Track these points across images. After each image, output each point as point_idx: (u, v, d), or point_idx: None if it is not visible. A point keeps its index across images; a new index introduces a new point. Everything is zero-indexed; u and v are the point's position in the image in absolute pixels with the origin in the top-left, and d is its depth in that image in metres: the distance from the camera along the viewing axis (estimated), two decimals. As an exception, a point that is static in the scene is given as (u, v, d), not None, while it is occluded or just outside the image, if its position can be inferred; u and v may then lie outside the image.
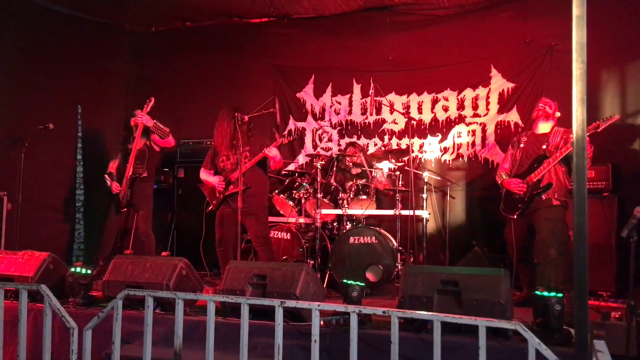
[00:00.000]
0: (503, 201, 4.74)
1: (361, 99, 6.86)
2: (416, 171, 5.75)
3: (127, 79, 7.64)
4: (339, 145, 6.88)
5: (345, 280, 3.60)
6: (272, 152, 4.81)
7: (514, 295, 3.81)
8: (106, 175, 5.62)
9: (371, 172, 5.79)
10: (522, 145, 4.73)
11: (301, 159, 6.99)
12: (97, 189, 5.80)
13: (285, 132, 5.11)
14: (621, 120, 5.47)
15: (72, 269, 4.12)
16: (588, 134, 4.21)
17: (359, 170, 5.85)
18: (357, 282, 3.50)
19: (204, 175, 5.10)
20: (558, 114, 4.65)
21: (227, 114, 4.89)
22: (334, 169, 6.02)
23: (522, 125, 6.02)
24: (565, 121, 4.54)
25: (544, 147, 4.55)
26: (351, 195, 5.52)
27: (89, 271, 4.10)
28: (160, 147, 5.64)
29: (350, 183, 5.63)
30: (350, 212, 5.53)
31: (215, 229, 4.97)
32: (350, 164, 5.88)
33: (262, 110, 5.09)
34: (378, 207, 5.69)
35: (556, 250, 4.29)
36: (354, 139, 6.79)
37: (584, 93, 1.87)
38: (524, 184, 4.53)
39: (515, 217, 4.58)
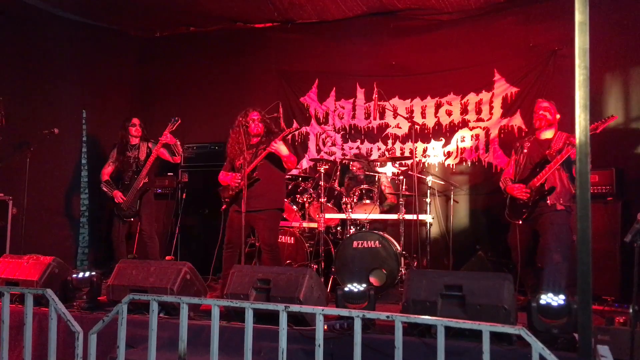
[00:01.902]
0: (508, 207, 4.72)
1: (365, 103, 6.88)
2: (420, 175, 5.75)
3: (132, 84, 7.68)
4: (343, 149, 6.89)
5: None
6: (275, 145, 4.61)
7: (517, 300, 3.80)
8: (103, 184, 5.72)
9: (378, 177, 5.81)
10: (525, 150, 4.73)
11: (305, 163, 7.01)
12: (101, 194, 5.83)
13: (291, 129, 4.95)
14: (625, 124, 5.47)
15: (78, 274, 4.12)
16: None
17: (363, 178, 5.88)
18: (354, 284, 3.49)
19: (222, 175, 4.97)
20: (558, 116, 4.64)
21: (240, 119, 4.85)
22: (338, 173, 6.04)
23: (526, 130, 6.02)
24: (567, 125, 4.54)
25: (546, 151, 4.55)
26: (355, 200, 5.53)
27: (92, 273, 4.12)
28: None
29: (355, 188, 5.64)
30: (354, 216, 5.54)
31: (225, 230, 4.87)
32: (354, 168, 5.90)
33: (266, 114, 5.10)
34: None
35: (560, 255, 4.28)
36: (359, 143, 6.81)
37: (586, 99, 1.87)
38: (527, 189, 4.52)
39: (520, 222, 4.57)
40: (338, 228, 5.89)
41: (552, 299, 3.05)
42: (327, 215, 5.59)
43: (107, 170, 5.78)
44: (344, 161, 6.29)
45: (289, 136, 4.85)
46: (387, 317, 2.48)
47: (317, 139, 7.05)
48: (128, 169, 5.66)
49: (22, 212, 5.60)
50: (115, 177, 5.75)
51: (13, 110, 5.91)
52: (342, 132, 6.95)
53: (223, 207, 4.90)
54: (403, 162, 6.31)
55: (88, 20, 6.96)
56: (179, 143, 5.68)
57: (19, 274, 4.18)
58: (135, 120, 5.79)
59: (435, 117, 6.57)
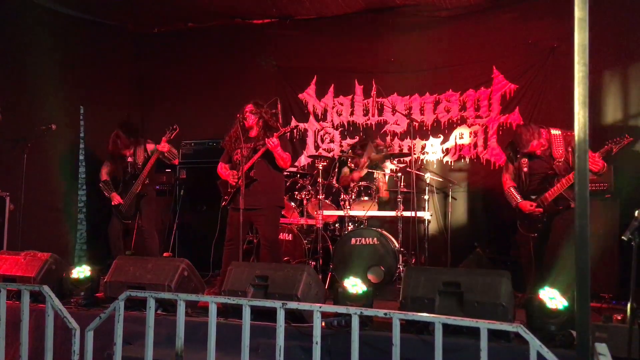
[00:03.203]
0: (520, 219, 4.64)
1: (363, 100, 6.86)
2: (418, 172, 5.75)
3: (130, 80, 7.65)
4: (341, 146, 6.88)
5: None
6: (273, 142, 4.55)
7: (516, 296, 3.80)
8: (102, 185, 5.71)
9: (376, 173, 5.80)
10: (525, 168, 4.58)
11: (303, 160, 7.00)
12: (99, 190, 5.82)
13: (287, 128, 4.90)
14: (623, 121, 5.47)
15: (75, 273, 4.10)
16: (602, 157, 4.15)
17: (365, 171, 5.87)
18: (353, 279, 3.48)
19: (221, 169, 4.95)
20: (542, 131, 4.48)
21: (238, 115, 4.81)
22: (336, 170, 6.03)
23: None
24: (567, 123, 4.51)
25: (553, 163, 4.45)
26: (353, 197, 5.52)
27: (88, 274, 4.09)
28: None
29: (353, 184, 5.63)
30: (352, 213, 5.53)
31: (226, 227, 4.85)
32: (353, 165, 5.89)
33: (264, 106, 5.07)
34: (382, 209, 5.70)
35: (565, 251, 4.27)
36: (356, 140, 6.80)
37: (585, 96, 1.87)
38: (539, 207, 4.45)
39: (535, 235, 4.52)
40: (336, 225, 5.88)
41: (550, 296, 3.05)
42: (325, 212, 5.59)
43: (106, 170, 5.75)
44: (342, 157, 6.28)
45: (287, 133, 4.82)
46: (385, 314, 2.48)
47: (316, 135, 7.04)
48: (126, 173, 5.63)
49: (19, 208, 5.59)
50: (115, 177, 5.72)
51: (10, 106, 5.88)
52: (340, 129, 6.94)
53: (223, 204, 4.88)
54: (401, 158, 6.31)
55: (86, 15, 6.93)
56: (174, 150, 5.65)
57: (16, 270, 4.17)
58: (119, 134, 5.63)
59: (434, 113, 6.56)
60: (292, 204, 5.85)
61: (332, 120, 6.98)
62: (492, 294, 3.09)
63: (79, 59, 6.84)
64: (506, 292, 3.10)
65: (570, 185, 4.30)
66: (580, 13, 1.87)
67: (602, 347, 2.23)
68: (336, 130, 6.95)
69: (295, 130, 7.00)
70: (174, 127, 5.54)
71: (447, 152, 6.49)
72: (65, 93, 6.69)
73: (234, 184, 4.72)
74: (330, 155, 6.74)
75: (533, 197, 4.52)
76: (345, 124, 6.92)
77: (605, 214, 4.99)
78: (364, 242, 5.13)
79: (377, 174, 5.80)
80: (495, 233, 5.82)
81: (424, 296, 3.24)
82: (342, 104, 6.96)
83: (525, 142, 4.44)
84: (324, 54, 7.03)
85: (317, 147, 7.00)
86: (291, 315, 3.33)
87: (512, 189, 4.65)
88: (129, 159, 5.65)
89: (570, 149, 4.35)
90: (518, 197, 4.59)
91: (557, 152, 4.42)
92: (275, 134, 4.64)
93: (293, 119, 7.01)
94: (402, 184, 5.55)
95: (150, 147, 5.71)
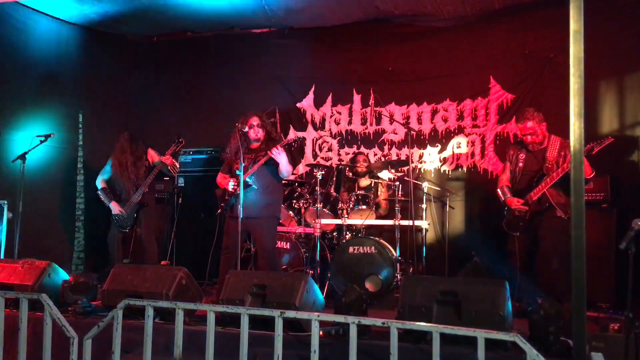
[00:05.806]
0: (506, 217, 4.71)
1: (361, 109, 6.89)
2: (415, 181, 5.77)
3: (129, 88, 7.66)
4: (339, 155, 6.90)
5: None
6: (276, 151, 4.58)
7: (513, 306, 3.81)
8: (100, 193, 5.67)
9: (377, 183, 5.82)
10: (520, 164, 4.68)
11: (301, 168, 7.01)
12: (97, 198, 5.81)
13: (291, 139, 4.92)
14: (619, 132, 5.50)
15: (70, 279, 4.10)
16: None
17: (367, 182, 5.89)
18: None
19: (220, 178, 4.96)
20: (544, 124, 4.60)
21: (238, 124, 4.81)
22: (334, 179, 6.05)
23: (521, 137, 6.03)
24: (563, 132, 4.54)
25: (544, 164, 4.51)
26: (351, 205, 5.53)
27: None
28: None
29: (351, 194, 5.65)
30: (349, 222, 5.54)
31: (223, 235, 4.86)
32: (352, 174, 5.91)
33: (266, 118, 5.09)
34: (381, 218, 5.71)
35: (558, 262, 4.29)
36: (355, 149, 6.82)
37: (581, 107, 1.89)
38: (525, 205, 4.51)
39: (517, 234, 4.57)
40: (334, 233, 5.89)
41: (547, 306, 3.06)
42: (323, 221, 5.59)
43: (105, 177, 5.73)
44: (340, 166, 6.30)
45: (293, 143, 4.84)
46: (383, 323, 2.49)
47: (314, 144, 7.06)
48: (126, 182, 5.60)
49: (17, 216, 5.57)
50: (113, 185, 5.70)
51: (8, 114, 5.89)
52: (338, 138, 6.96)
53: (218, 211, 4.88)
54: (399, 167, 6.32)
55: (85, 23, 6.94)
56: (177, 165, 5.63)
57: (13, 278, 4.16)
58: (126, 135, 5.69)
59: (431, 123, 6.59)
60: (290, 212, 5.86)
61: (330, 129, 7.01)
62: (490, 303, 3.10)
63: (78, 66, 6.86)
64: (504, 301, 3.10)
65: (553, 186, 4.37)
66: (575, 25, 1.90)
67: (598, 357, 2.24)
68: (334, 139, 6.97)
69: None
70: (180, 140, 5.51)
71: (444, 161, 6.52)
72: (64, 101, 6.70)
73: (231, 190, 4.73)
74: (328, 164, 6.76)
75: (522, 194, 4.58)
76: (343, 133, 6.94)
77: (601, 224, 5.01)
78: (361, 251, 5.14)
79: (374, 182, 5.82)
80: (493, 242, 5.83)
81: (421, 305, 3.25)
82: (340, 113, 6.99)
83: (523, 119, 4.59)
84: (322, 63, 7.07)
85: (315, 156, 7.02)
86: (289, 324, 3.33)
87: (504, 187, 4.76)
88: (130, 166, 5.63)
89: (563, 153, 4.43)
90: (508, 193, 4.69)
91: (552, 154, 4.51)
92: (278, 144, 4.66)
93: (292, 129, 7.03)
94: (399, 193, 5.56)
95: (152, 155, 5.69)
